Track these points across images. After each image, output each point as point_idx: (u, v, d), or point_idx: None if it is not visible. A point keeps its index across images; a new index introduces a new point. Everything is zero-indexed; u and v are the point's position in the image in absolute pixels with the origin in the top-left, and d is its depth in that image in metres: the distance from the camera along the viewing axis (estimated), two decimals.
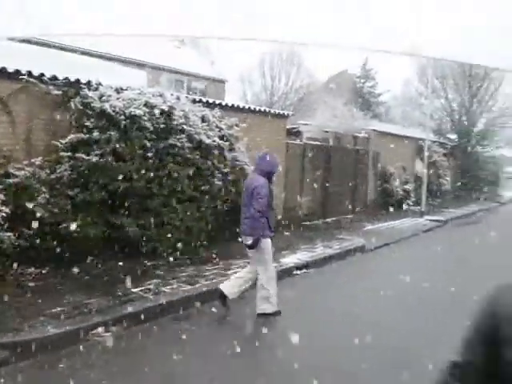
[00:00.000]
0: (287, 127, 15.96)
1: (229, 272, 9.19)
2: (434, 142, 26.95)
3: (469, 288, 7.21)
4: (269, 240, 7.38)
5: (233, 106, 13.14)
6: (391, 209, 19.71)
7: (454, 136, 32.90)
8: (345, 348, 6.15)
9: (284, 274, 9.43)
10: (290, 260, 10.49)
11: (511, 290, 1.79)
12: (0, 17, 23.73)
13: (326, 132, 18.93)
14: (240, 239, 7.56)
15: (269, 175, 7.40)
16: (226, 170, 10.77)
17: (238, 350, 5.74)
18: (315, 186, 15.74)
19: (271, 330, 6.74)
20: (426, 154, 21.90)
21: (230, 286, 7.47)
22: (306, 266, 10.45)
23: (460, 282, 9.10)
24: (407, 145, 23.81)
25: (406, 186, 21.60)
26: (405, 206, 21.02)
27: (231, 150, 11.13)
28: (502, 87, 33.18)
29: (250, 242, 7.22)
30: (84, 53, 17.71)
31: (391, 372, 5.48)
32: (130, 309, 6.83)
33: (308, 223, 15.38)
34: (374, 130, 21.25)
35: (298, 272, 10.11)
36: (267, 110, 15.08)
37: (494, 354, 1.69)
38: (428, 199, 22.83)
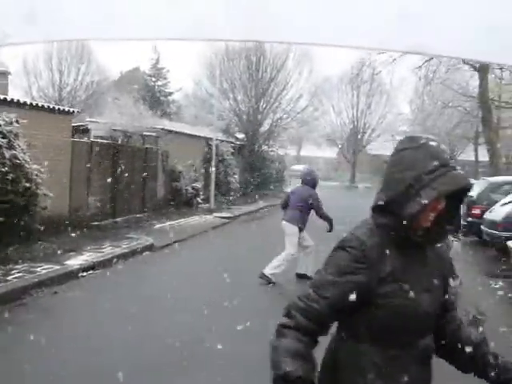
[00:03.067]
0: (74, 125, 15.47)
1: (8, 278, 8.69)
2: (223, 141, 27.78)
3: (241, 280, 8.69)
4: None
5: (12, 100, 12.40)
6: (181, 207, 20.06)
7: (241, 135, 34.22)
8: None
9: (68, 277, 9.16)
10: (75, 262, 10.16)
11: (366, 232, 2.05)
12: None
13: (115, 130, 18.68)
14: None
15: (314, 186, 10.14)
16: (4, 170, 10.11)
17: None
18: (103, 185, 15.42)
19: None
20: (214, 152, 22.66)
21: (305, 267, 9.64)
22: (92, 267, 10.21)
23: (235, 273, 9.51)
24: (197, 144, 24.35)
25: (195, 184, 21.97)
26: (195, 204, 21.44)
27: (10, 147, 10.49)
28: (285, 90, 35.36)
29: (291, 229, 10.03)
30: None
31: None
32: None
33: (96, 223, 14.99)
34: (163, 129, 21.34)
35: (85, 274, 9.81)
36: (51, 106, 14.50)
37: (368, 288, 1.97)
38: (217, 197, 23.54)
